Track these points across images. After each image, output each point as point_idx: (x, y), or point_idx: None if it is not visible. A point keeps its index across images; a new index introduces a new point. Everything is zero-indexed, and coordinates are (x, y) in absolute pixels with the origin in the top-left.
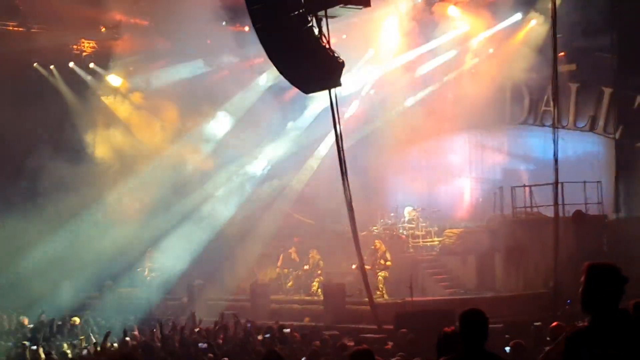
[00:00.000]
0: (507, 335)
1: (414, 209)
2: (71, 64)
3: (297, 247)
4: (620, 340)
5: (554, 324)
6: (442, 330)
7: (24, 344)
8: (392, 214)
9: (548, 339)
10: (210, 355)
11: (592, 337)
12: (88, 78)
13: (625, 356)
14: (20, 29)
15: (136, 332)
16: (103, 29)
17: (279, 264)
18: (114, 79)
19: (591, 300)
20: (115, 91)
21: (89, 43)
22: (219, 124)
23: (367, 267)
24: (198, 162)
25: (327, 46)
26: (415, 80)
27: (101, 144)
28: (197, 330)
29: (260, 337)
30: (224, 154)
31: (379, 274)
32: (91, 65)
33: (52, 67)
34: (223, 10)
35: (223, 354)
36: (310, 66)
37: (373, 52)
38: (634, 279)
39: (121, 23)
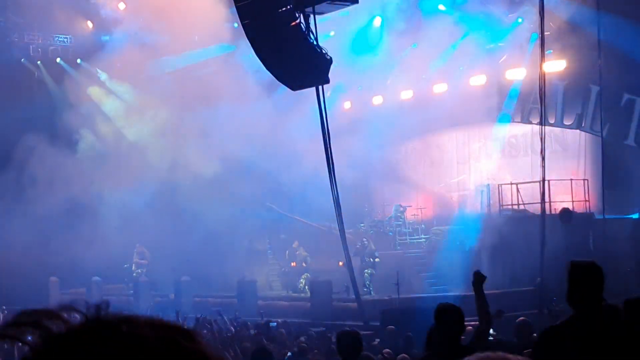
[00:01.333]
0: (492, 332)
1: (401, 206)
2: (58, 59)
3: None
4: (594, 335)
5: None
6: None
7: None
8: (379, 211)
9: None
10: None
11: (566, 332)
12: (75, 73)
13: (593, 350)
14: None
15: None
16: (90, 24)
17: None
18: (100, 74)
19: (573, 297)
20: (102, 85)
21: (66, 37)
22: (208, 118)
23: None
24: (187, 157)
25: (315, 43)
26: (403, 78)
27: (89, 139)
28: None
29: (252, 333)
30: (214, 149)
31: (366, 271)
32: (78, 60)
33: (39, 62)
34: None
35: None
36: (298, 63)
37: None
38: (620, 276)
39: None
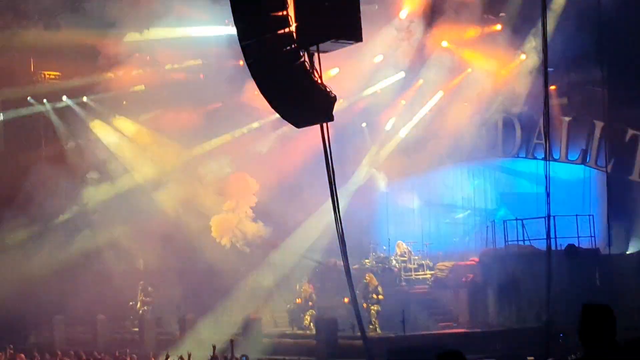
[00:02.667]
0: None
1: (403, 243)
2: (64, 98)
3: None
4: None
5: None
6: None
7: None
8: (384, 247)
9: None
10: None
11: None
12: (82, 113)
13: None
14: None
15: None
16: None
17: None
18: (104, 112)
19: (586, 339)
20: (109, 123)
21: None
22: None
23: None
24: (194, 198)
25: (319, 81)
26: (406, 114)
27: (96, 179)
28: None
29: None
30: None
31: (372, 307)
32: (84, 99)
33: (45, 100)
34: None
35: None
36: (302, 101)
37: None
38: (626, 312)
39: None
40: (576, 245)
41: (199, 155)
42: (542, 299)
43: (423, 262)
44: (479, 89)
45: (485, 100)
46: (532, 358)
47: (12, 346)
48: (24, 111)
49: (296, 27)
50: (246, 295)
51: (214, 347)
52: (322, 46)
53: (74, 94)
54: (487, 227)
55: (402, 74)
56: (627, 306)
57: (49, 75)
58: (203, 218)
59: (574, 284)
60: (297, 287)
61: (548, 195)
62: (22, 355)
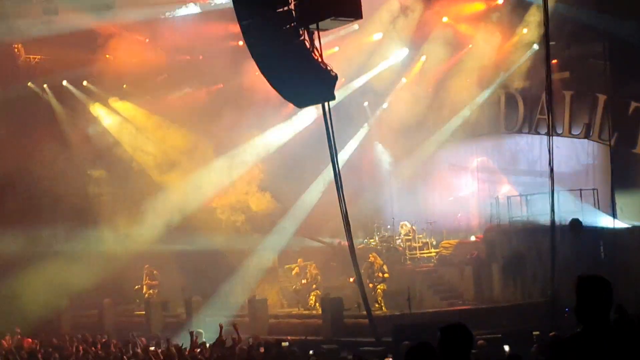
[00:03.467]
0: (505, 346)
1: (407, 223)
2: (64, 82)
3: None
4: (605, 349)
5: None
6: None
7: None
8: (388, 226)
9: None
10: None
11: (577, 346)
12: (82, 96)
13: None
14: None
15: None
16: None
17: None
18: (104, 96)
19: (582, 312)
20: (111, 108)
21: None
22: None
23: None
24: (198, 183)
25: (320, 59)
26: (409, 91)
27: (99, 162)
28: (198, 350)
29: (262, 351)
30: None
31: (377, 286)
32: (84, 83)
33: (45, 85)
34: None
35: None
36: (303, 80)
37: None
38: (631, 286)
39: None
40: (580, 220)
41: (202, 139)
42: (547, 274)
43: (427, 240)
44: (480, 65)
45: (487, 76)
46: (537, 333)
47: (19, 330)
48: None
49: (295, 5)
50: (251, 276)
51: (221, 327)
52: (321, 24)
53: (74, 78)
54: (491, 203)
55: (405, 51)
56: (632, 279)
57: (34, 58)
58: (209, 200)
59: (578, 259)
60: (290, 267)
61: (551, 170)
62: (29, 340)
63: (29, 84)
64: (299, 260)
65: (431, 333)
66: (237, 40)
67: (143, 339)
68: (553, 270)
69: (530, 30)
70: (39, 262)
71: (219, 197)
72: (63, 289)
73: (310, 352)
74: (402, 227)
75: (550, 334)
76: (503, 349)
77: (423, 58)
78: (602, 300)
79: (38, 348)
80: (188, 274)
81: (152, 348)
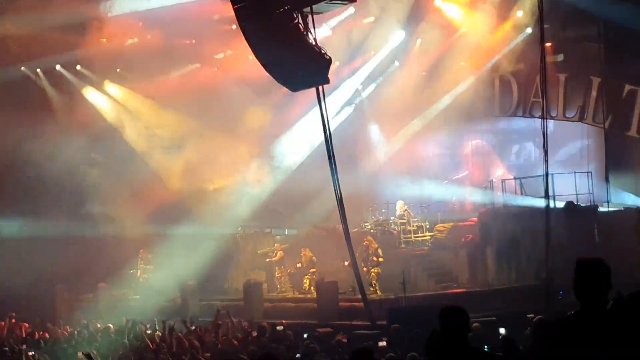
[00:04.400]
0: (501, 329)
1: (405, 203)
2: (58, 67)
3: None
4: (600, 330)
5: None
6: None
7: None
8: (383, 210)
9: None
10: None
11: (572, 327)
12: (76, 80)
13: (599, 345)
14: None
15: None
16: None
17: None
18: (98, 80)
19: (581, 294)
20: (102, 92)
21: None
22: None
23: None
24: (190, 167)
25: (314, 43)
26: (404, 74)
27: (93, 146)
28: (192, 328)
29: (254, 334)
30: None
31: (371, 270)
32: (78, 67)
33: (38, 70)
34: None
35: (218, 354)
36: (297, 64)
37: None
38: (625, 268)
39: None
40: (574, 202)
41: (197, 122)
42: (541, 257)
43: (422, 223)
44: (474, 48)
45: (481, 60)
46: (532, 315)
47: (14, 315)
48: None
49: None
50: (247, 260)
51: (218, 311)
52: (315, 7)
53: (67, 62)
54: (486, 187)
55: (402, 34)
56: (626, 262)
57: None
58: (202, 183)
59: (572, 241)
60: (265, 251)
61: (546, 153)
62: (26, 325)
63: (22, 68)
64: (275, 245)
65: (425, 316)
66: (231, 24)
67: (142, 325)
68: (547, 253)
69: (524, 13)
70: (32, 245)
71: (216, 180)
72: (58, 273)
73: (305, 335)
74: (399, 207)
75: (535, 318)
76: (498, 331)
77: (418, 41)
78: (600, 284)
79: (33, 332)
80: (182, 258)
81: (149, 332)
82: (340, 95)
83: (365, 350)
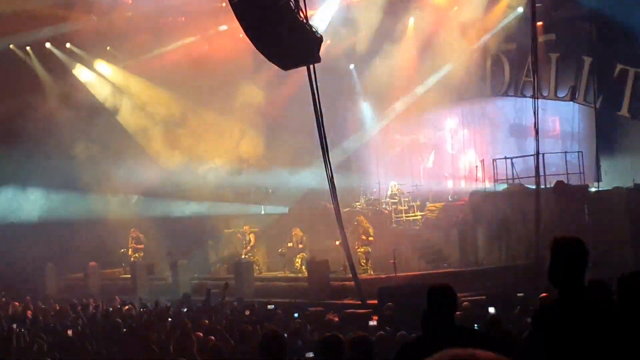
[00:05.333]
0: (490, 308)
1: (397, 184)
2: (47, 45)
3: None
4: (583, 317)
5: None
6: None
7: None
8: (374, 190)
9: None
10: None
11: (557, 313)
12: (65, 58)
13: (588, 334)
14: None
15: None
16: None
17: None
18: (88, 58)
19: (556, 275)
20: (92, 70)
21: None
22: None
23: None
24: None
25: (305, 21)
26: (393, 54)
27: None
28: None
29: (247, 313)
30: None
31: (362, 249)
32: (67, 45)
33: (28, 48)
34: None
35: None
36: (288, 42)
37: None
38: (615, 247)
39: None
40: (565, 182)
41: (187, 101)
42: (532, 237)
43: (413, 203)
44: (466, 27)
45: (472, 39)
46: (522, 295)
47: (4, 293)
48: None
49: None
50: (238, 239)
51: (209, 290)
52: None
53: (56, 39)
54: (477, 166)
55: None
56: (616, 241)
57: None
58: (194, 161)
59: (563, 221)
60: (235, 231)
61: (537, 132)
62: (16, 303)
63: (11, 46)
64: (244, 227)
65: (416, 295)
66: (221, 1)
67: (132, 304)
68: (537, 233)
69: None
70: (24, 224)
71: (207, 158)
72: (48, 252)
73: (296, 314)
74: (392, 187)
75: (542, 295)
76: (488, 310)
77: (411, 20)
78: (575, 262)
79: (23, 311)
80: (174, 237)
81: (142, 310)
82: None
83: (445, 286)
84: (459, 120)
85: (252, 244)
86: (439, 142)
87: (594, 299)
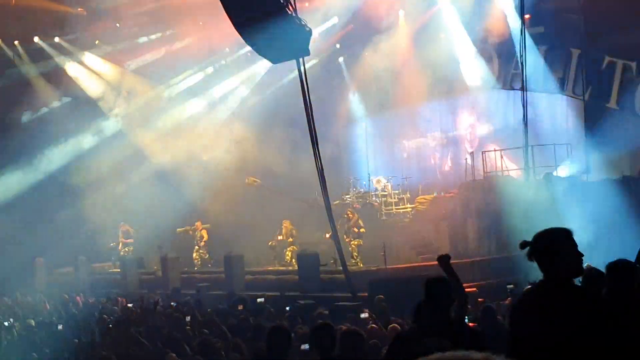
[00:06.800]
0: (480, 299)
1: (382, 178)
2: (36, 39)
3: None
4: (563, 300)
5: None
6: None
7: None
8: (364, 182)
9: None
10: (188, 327)
11: (537, 301)
12: (54, 53)
13: (561, 316)
14: None
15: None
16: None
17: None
18: (77, 52)
19: (545, 265)
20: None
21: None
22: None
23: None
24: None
25: (294, 14)
26: (386, 46)
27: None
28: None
29: (240, 308)
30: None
31: (353, 242)
32: (56, 39)
33: (16, 42)
34: None
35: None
36: (277, 35)
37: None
38: (602, 237)
39: None
40: (554, 174)
41: (175, 92)
42: (522, 228)
43: (403, 196)
44: (454, 20)
45: (461, 32)
46: (512, 286)
47: None
48: None
49: None
50: (228, 233)
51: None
52: None
53: (44, 34)
54: (466, 158)
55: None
56: (604, 231)
57: None
58: (183, 155)
59: (552, 212)
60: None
61: (526, 125)
62: (5, 299)
63: None
64: (196, 223)
65: (406, 287)
66: None
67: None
68: (527, 224)
69: None
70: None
71: (197, 150)
72: (36, 245)
73: (287, 307)
74: (377, 183)
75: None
76: (478, 302)
77: (401, 12)
78: (558, 251)
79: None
80: (164, 231)
81: (130, 305)
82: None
83: (441, 278)
84: (449, 112)
85: (205, 239)
86: (428, 134)
87: (576, 285)
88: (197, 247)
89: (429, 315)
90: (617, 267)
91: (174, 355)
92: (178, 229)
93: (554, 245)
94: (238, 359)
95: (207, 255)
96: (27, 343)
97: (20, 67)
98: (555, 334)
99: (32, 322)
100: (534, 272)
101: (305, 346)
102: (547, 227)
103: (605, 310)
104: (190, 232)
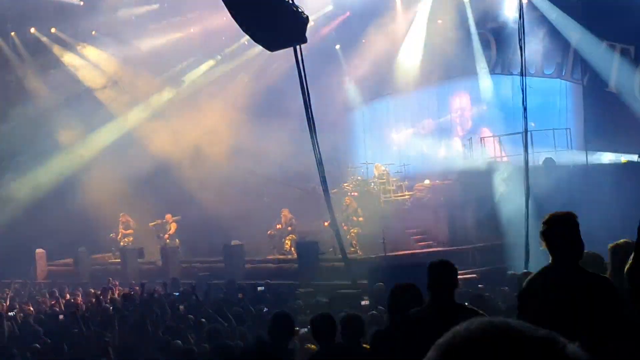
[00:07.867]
0: (480, 285)
1: (381, 165)
2: (32, 30)
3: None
4: (569, 284)
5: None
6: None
7: None
8: (362, 170)
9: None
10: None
11: (543, 281)
12: (51, 44)
13: (568, 298)
14: None
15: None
16: None
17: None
18: (73, 43)
19: (551, 249)
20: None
21: None
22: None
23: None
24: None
25: (291, 1)
26: (380, 32)
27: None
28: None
29: (240, 296)
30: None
31: (352, 230)
32: (52, 30)
33: (12, 34)
34: None
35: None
36: (274, 23)
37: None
38: (603, 222)
39: None
40: (553, 158)
41: (173, 82)
42: (521, 214)
43: (401, 183)
44: (452, 5)
45: (459, 17)
46: (512, 272)
47: None
48: None
49: None
50: (227, 222)
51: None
52: None
53: (41, 25)
54: (465, 145)
55: None
56: (604, 217)
57: None
58: (182, 146)
59: (552, 198)
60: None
61: (525, 110)
62: (6, 290)
63: None
64: (167, 216)
65: (406, 274)
66: None
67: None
68: (527, 210)
69: None
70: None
71: (195, 143)
72: (36, 236)
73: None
74: (376, 168)
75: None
76: (478, 288)
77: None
78: (567, 235)
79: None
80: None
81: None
82: None
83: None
84: (447, 98)
85: (171, 232)
86: (426, 121)
87: (583, 269)
88: (166, 236)
89: (433, 299)
90: (620, 247)
91: (178, 342)
92: (150, 223)
93: (561, 230)
94: (242, 347)
95: (177, 242)
96: (29, 333)
97: (17, 59)
98: (564, 318)
99: (33, 312)
100: (532, 259)
101: (304, 329)
102: (551, 212)
103: (614, 292)
104: (161, 224)
